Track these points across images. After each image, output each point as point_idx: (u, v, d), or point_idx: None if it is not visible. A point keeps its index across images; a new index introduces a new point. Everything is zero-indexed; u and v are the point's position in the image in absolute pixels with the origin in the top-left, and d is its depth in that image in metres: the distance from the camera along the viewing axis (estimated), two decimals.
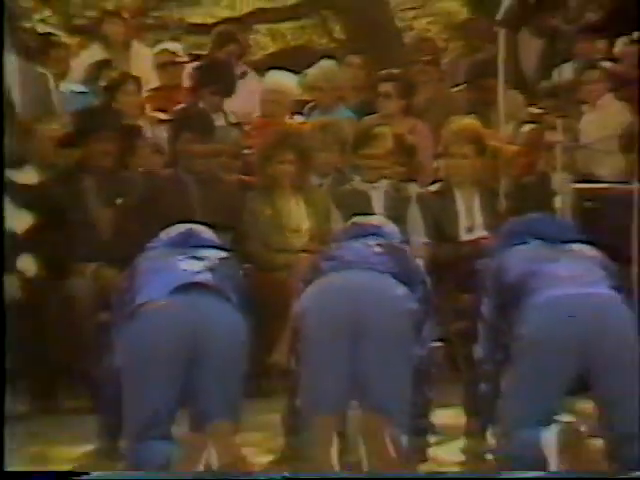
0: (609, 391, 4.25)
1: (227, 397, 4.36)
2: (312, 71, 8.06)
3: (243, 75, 8.24)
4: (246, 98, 7.74)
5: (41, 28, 8.79)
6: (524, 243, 4.63)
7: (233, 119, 7.42)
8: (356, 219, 5.01)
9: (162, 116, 7.34)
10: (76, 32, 10.73)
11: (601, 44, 8.73)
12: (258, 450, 4.69)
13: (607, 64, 8.02)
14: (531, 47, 9.12)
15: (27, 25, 8.94)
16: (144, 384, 4.32)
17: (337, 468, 4.04)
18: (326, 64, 8.13)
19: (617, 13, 9.54)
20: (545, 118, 7.13)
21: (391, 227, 4.95)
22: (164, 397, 4.32)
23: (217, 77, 7.40)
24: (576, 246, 4.62)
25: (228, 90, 7.40)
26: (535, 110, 7.65)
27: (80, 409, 5.37)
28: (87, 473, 3.63)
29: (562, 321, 4.27)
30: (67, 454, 4.84)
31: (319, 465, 4.05)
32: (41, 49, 7.61)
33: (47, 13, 13.66)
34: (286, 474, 3.56)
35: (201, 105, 7.21)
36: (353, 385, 4.36)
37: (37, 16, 12.79)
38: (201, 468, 4.01)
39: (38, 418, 5.44)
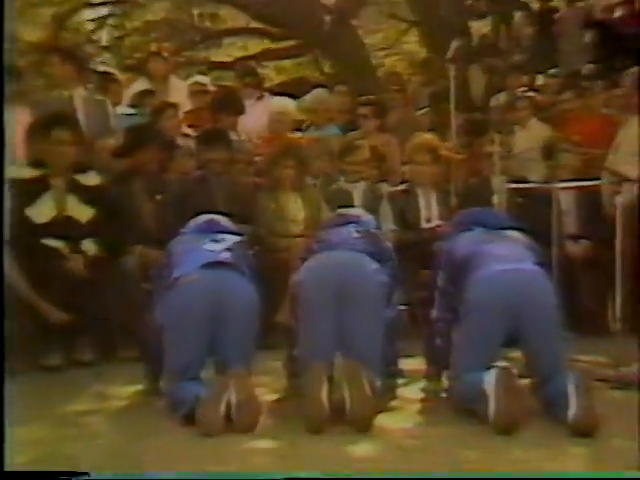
0: (534, 344, 4.20)
1: (243, 349, 4.31)
2: (308, 97, 8.03)
3: (260, 98, 8.17)
4: (258, 119, 7.67)
5: (101, 68, 8.73)
6: (470, 230, 4.59)
7: (244, 136, 7.31)
8: (340, 211, 4.96)
9: (193, 132, 7.28)
10: (127, 69, 10.71)
11: (526, 78, 8.76)
12: (266, 390, 4.63)
13: (531, 94, 8.02)
14: (479, 80, 9.13)
15: (90, 65, 8.93)
16: (181, 339, 4.27)
17: (326, 405, 3.98)
18: (319, 92, 8.10)
19: (538, 55, 9.56)
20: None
21: (368, 217, 4.88)
22: (196, 349, 4.27)
23: (229, 103, 7.32)
24: (509, 232, 4.57)
25: (238, 112, 7.30)
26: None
27: (132, 358, 5.27)
28: (87, 473, 3.37)
29: (498, 290, 4.21)
30: (121, 392, 4.77)
31: (312, 402, 3.99)
32: (101, 83, 7.57)
33: (107, 56, 13.67)
34: (286, 475, 3.48)
35: (220, 125, 7.13)
36: (339, 339, 4.30)
37: (99, 59, 12.82)
38: (224, 404, 3.96)
39: (100, 365, 5.37)
